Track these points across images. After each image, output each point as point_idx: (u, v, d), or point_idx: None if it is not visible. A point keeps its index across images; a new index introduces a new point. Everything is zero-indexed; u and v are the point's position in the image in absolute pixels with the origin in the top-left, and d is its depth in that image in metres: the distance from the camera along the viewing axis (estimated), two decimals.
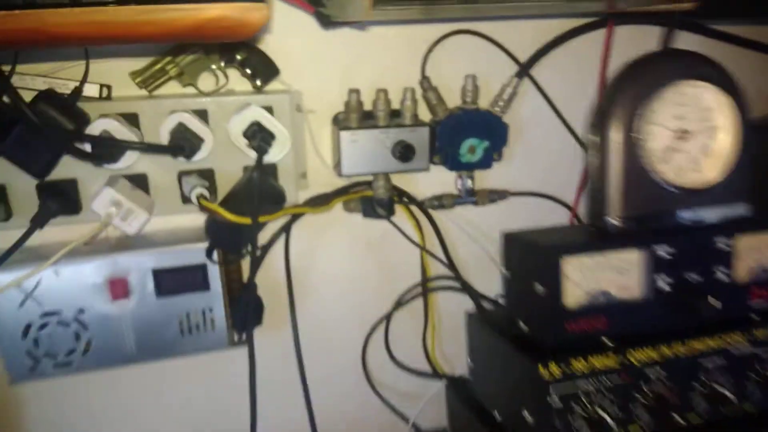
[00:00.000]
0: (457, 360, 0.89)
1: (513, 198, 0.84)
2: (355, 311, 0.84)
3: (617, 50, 0.81)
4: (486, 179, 0.83)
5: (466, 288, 0.83)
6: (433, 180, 0.81)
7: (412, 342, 0.87)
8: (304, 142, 0.75)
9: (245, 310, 0.70)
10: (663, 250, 0.65)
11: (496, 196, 0.83)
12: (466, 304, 0.86)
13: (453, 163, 0.78)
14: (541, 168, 0.85)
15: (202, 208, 0.64)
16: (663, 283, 0.66)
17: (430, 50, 0.76)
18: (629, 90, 0.66)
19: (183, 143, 0.63)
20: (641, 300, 0.65)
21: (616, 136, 0.64)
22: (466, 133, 0.76)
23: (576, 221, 0.87)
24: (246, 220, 0.63)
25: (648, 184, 0.65)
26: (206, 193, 0.65)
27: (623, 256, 0.64)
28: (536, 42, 0.79)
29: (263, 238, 0.75)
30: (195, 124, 0.65)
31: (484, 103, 0.78)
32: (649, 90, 0.65)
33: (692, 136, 0.67)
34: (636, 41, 0.83)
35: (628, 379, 0.64)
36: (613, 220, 0.65)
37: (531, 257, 0.67)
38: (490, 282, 0.87)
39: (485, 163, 0.79)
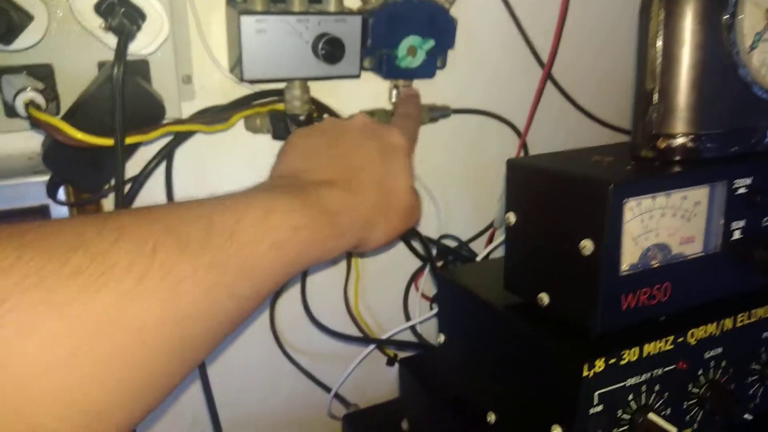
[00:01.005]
0: (387, 317, 0.75)
1: (454, 116, 0.69)
2: None
3: None
4: (424, 92, 0.66)
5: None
6: (362, 90, 0.63)
7: (332, 297, 0.71)
8: (188, 31, 0.54)
9: None
10: (744, 185, 0.46)
11: (437, 113, 0.67)
12: (399, 250, 0.71)
13: (389, 68, 0.60)
14: (487, 81, 0.70)
15: (36, 124, 0.42)
16: (739, 231, 0.47)
17: None
18: None
19: None
20: (707, 256, 0.46)
21: (689, 17, 0.42)
22: (405, 29, 0.59)
23: (524, 149, 0.74)
24: (106, 142, 0.42)
25: (733, 89, 0.45)
26: (40, 99, 0.42)
27: (693, 193, 0.44)
28: None
29: (133, 167, 0.54)
30: None
31: None
32: None
33: None
34: None
35: (684, 365, 0.46)
36: (680, 140, 0.44)
37: (567, 198, 0.43)
38: (429, 224, 0.72)
39: (428, 69, 0.62)
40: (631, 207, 0.41)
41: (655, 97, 0.43)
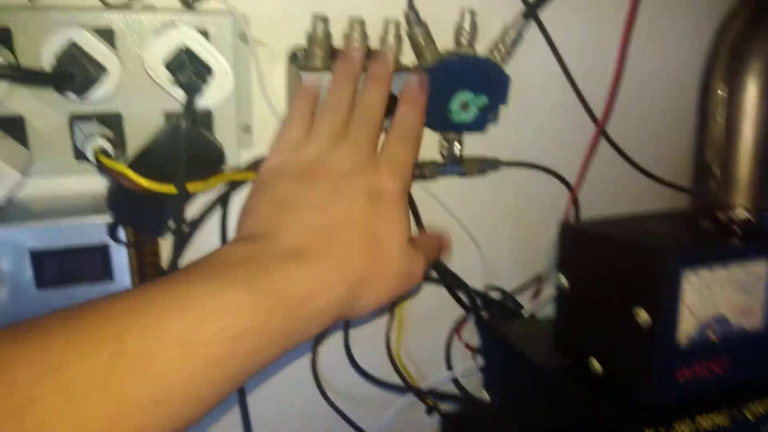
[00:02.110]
0: (429, 365, 0.74)
1: (504, 169, 0.69)
2: None
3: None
4: (471, 144, 0.67)
5: (447, 277, 0.68)
6: None
7: (374, 344, 0.71)
8: (250, 85, 0.57)
9: None
10: None
11: (486, 165, 0.67)
12: (443, 297, 0.71)
13: (441, 121, 0.61)
14: (539, 135, 0.70)
15: (103, 169, 0.45)
16: None
17: None
18: None
19: (73, 70, 0.43)
20: (765, 329, 0.45)
21: (753, 92, 0.43)
22: (459, 85, 0.60)
23: (574, 205, 0.73)
24: (169, 189, 0.45)
25: None
26: (109, 147, 0.45)
27: (753, 267, 0.43)
28: None
29: (192, 210, 0.57)
30: (94, 46, 0.44)
31: (481, 49, 0.62)
32: None
33: None
34: None
35: None
36: (741, 213, 0.44)
37: (623, 266, 0.43)
38: (474, 274, 0.72)
39: (480, 124, 0.62)
40: (690, 278, 0.40)
41: (716, 169, 0.43)
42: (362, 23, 0.55)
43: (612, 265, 0.43)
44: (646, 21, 0.69)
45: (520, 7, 0.62)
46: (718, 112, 0.43)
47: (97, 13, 0.48)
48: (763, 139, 0.42)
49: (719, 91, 0.42)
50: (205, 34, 0.49)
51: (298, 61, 0.56)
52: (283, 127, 0.47)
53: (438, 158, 0.65)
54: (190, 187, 0.46)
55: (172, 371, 0.27)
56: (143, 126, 0.51)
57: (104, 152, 0.44)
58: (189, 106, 0.44)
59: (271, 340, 0.31)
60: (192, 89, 0.45)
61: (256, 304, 0.30)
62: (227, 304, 0.29)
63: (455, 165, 0.65)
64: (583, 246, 0.45)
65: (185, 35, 0.45)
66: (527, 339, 0.53)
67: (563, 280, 0.47)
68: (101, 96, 0.46)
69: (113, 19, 0.48)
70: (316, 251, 0.35)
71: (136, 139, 0.51)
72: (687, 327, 0.41)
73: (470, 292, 0.70)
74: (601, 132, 0.71)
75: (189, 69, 0.45)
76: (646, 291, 0.40)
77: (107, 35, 0.48)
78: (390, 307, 0.69)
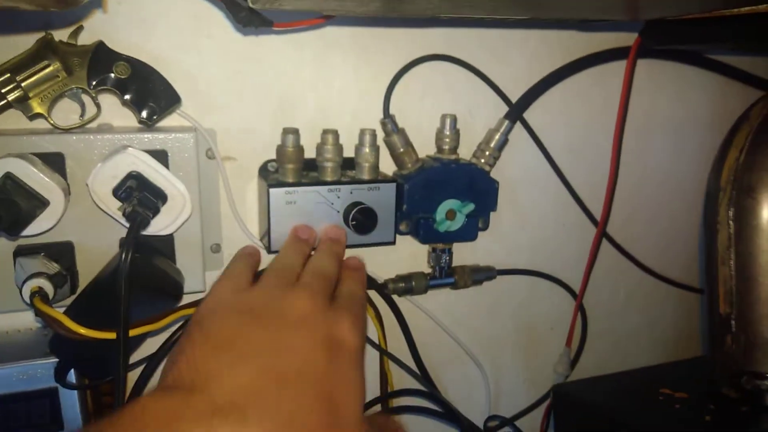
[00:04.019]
0: None
1: (500, 278, 0.64)
2: None
3: (638, 89, 0.64)
4: (466, 253, 0.62)
5: (448, 410, 0.60)
6: (398, 255, 0.59)
7: None
8: (218, 202, 0.53)
9: None
10: None
11: (481, 275, 0.62)
12: (444, 429, 0.63)
13: (426, 232, 0.56)
14: (535, 240, 0.66)
15: (38, 314, 0.39)
16: None
17: (395, 79, 0.55)
18: None
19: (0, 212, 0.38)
20: None
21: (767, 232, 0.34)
22: (443, 193, 0.56)
23: (581, 311, 0.67)
24: (109, 335, 0.39)
25: None
26: (48, 287, 0.40)
27: None
28: (531, 76, 0.61)
29: (154, 342, 0.51)
30: (33, 177, 0.41)
31: (464, 152, 0.58)
32: None
33: None
34: (656, 80, 0.65)
35: None
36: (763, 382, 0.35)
37: None
38: (474, 396, 0.65)
39: (468, 233, 0.58)
40: None
41: (734, 324, 0.36)
42: (335, 133, 0.52)
43: None
44: (641, 112, 0.66)
45: (503, 109, 0.60)
46: (729, 254, 0.36)
47: (46, 137, 0.45)
48: None
49: (726, 228, 0.35)
50: (162, 155, 0.46)
51: (269, 174, 0.52)
52: (223, 275, 0.41)
53: (427, 269, 0.60)
54: (133, 331, 0.40)
55: None
56: (97, 255, 0.47)
57: (41, 294, 0.39)
58: (132, 237, 0.39)
59: None
60: (136, 220, 0.40)
61: None
62: None
63: (446, 277, 0.60)
64: (583, 419, 0.37)
65: (134, 159, 0.42)
66: None
67: None
68: (41, 231, 0.42)
69: (63, 142, 0.44)
70: (258, 407, 0.28)
71: (90, 268, 0.47)
72: None
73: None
74: (602, 233, 0.66)
75: (135, 197, 0.40)
76: None
77: (57, 160, 0.45)
78: None
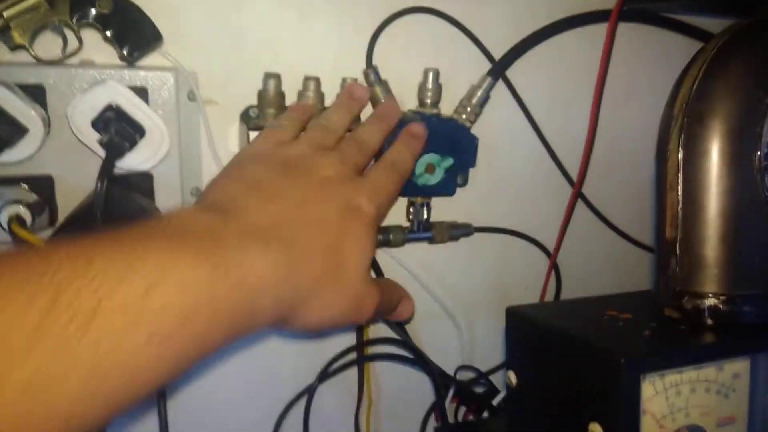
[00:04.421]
0: None
1: (477, 235, 0.65)
2: (265, 384, 0.61)
3: (619, 53, 0.64)
4: (444, 209, 0.63)
5: (419, 358, 0.62)
6: None
7: (340, 425, 0.64)
8: (199, 146, 0.53)
9: None
10: None
11: (459, 231, 0.63)
12: (416, 378, 0.65)
13: (406, 185, 0.57)
14: (513, 198, 0.67)
15: (15, 239, 0.40)
16: None
17: (379, 30, 0.56)
18: (747, 74, 0.36)
19: None
20: None
21: (714, 158, 0.36)
22: (423, 147, 0.56)
23: (555, 271, 0.69)
24: None
25: None
26: (27, 214, 0.41)
27: (730, 366, 0.36)
28: (515, 34, 0.61)
29: None
30: (13, 104, 0.41)
31: (446, 107, 0.59)
32: None
33: None
34: (637, 44, 0.66)
35: None
36: (710, 301, 0.36)
37: (573, 367, 0.36)
38: (449, 350, 0.66)
39: (447, 187, 0.59)
40: (653, 382, 0.33)
41: (678, 247, 0.37)
42: (317, 80, 0.52)
43: (563, 366, 0.35)
44: (620, 76, 0.66)
45: (486, 65, 0.60)
46: (677, 180, 0.37)
47: (28, 68, 0.45)
48: (730, 212, 0.36)
49: (676, 155, 0.36)
50: (143, 92, 0.46)
51: (250, 119, 0.52)
52: (269, 127, 0.46)
53: (405, 223, 0.61)
54: None
55: (113, 338, 0.23)
56: (77, 189, 0.47)
57: (19, 220, 0.40)
58: (106, 166, 0.40)
59: (219, 324, 0.28)
60: (112, 149, 0.41)
61: (212, 282, 0.27)
62: (183, 275, 0.26)
63: (424, 231, 0.61)
64: (531, 338, 0.38)
65: (114, 92, 0.42)
66: None
67: (512, 377, 0.40)
68: (21, 157, 0.43)
69: (43, 74, 0.45)
70: (278, 239, 0.32)
71: (70, 203, 0.47)
72: None
73: (436, 379, 0.63)
74: (578, 194, 0.67)
75: (113, 127, 0.41)
76: (599, 400, 0.33)
77: (38, 93, 0.45)
78: (359, 382, 0.63)
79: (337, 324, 0.36)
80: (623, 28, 0.64)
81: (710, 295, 0.36)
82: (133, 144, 0.42)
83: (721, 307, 0.36)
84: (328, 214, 0.36)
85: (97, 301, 0.23)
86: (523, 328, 0.40)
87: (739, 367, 0.36)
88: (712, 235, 0.36)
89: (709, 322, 0.37)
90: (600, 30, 0.63)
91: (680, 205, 0.36)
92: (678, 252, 0.37)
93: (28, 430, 0.21)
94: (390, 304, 0.43)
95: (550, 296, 0.69)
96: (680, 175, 0.36)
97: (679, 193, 0.36)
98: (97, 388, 0.23)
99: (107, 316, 0.23)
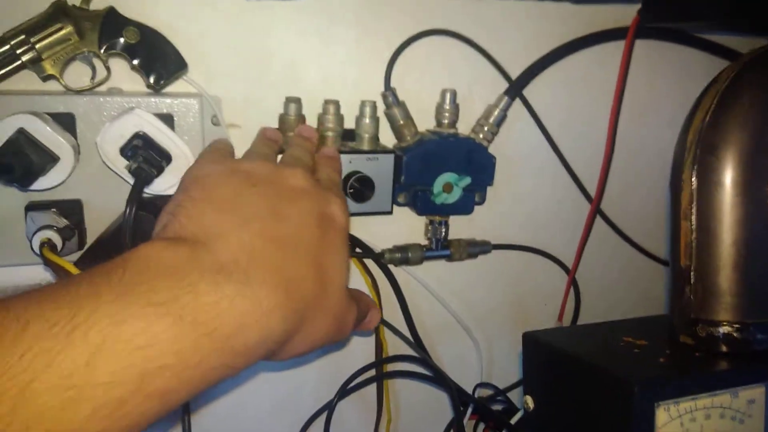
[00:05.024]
0: None
1: (496, 252, 0.65)
2: (285, 400, 0.62)
3: (636, 70, 0.65)
4: (462, 227, 0.63)
5: (438, 375, 0.62)
6: (396, 226, 0.61)
7: None
8: None
9: None
10: None
11: (477, 249, 0.63)
12: (435, 395, 0.65)
13: (423, 204, 0.58)
14: (531, 216, 0.67)
15: (47, 263, 0.41)
16: None
17: (397, 53, 0.57)
18: (760, 105, 0.36)
19: (13, 161, 0.40)
20: None
21: (727, 188, 0.37)
22: (441, 166, 0.57)
23: (573, 287, 0.69)
24: None
25: None
26: (56, 239, 0.42)
27: (745, 393, 0.37)
28: (530, 53, 0.62)
29: None
30: (44, 134, 0.42)
31: (463, 127, 0.60)
32: None
33: None
34: (654, 61, 0.66)
35: None
36: (724, 329, 0.37)
37: (590, 391, 0.36)
38: (467, 367, 0.66)
39: (465, 206, 0.59)
40: (667, 409, 0.34)
41: (692, 276, 0.37)
42: (337, 103, 0.53)
43: (578, 391, 0.36)
44: (638, 93, 0.67)
45: (503, 85, 0.61)
46: (690, 210, 0.37)
47: (58, 97, 0.46)
48: (743, 242, 0.36)
49: (690, 185, 0.37)
50: (169, 119, 0.47)
51: None
52: (204, 150, 0.44)
53: (423, 241, 0.62)
54: None
55: (51, 420, 0.20)
56: (105, 213, 0.49)
57: (50, 245, 0.41)
58: (135, 192, 0.41)
59: (187, 379, 0.25)
60: (141, 176, 0.42)
61: (176, 335, 0.24)
62: (137, 334, 0.23)
63: (442, 249, 0.62)
64: (548, 363, 0.39)
65: (141, 120, 0.43)
66: None
67: (529, 401, 0.40)
68: (52, 185, 0.44)
69: (74, 103, 0.46)
70: (260, 268, 0.28)
71: (98, 227, 0.49)
72: None
73: (455, 397, 0.63)
74: (596, 210, 0.67)
75: (141, 155, 0.42)
76: (614, 427, 0.33)
77: (68, 121, 0.46)
78: (378, 397, 0.64)
79: (321, 346, 0.34)
80: (640, 44, 0.65)
81: (724, 323, 0.37)
82: (160, 170, 0.44)
83: (735, 334, 0.37)
84: (306, 229, 0.33)
85: (30, 378, 0.20)
86: (540, 353, 0.40)
87: (755, 393, 0.36)
88: (725, 263, 0.36)
89: (724, 349, 0.37)
90: (616, 47, 0.64)
91: (694, 235, 0.37)
92: (692, 280, 0.37)
93: None
94: (362, 314, 0.41)
95: (569, 312, 0.70)
96: (694, 205, 0.37)
97: (693, 222, 0.37)
98: None
99: (42, 395, 0.20)
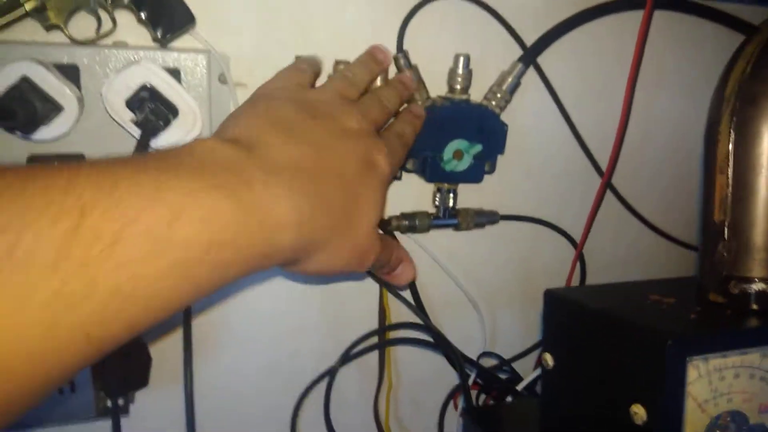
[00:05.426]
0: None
1: (503, 223, 0.65)
2: (286, 365, 0.62)
3: (652, 41, 0.63)
4: (470, 196, 0.62)
5: (441, 341, 0.62)
6: (403, 192, 0.60)
7: (360, 408, 0.65)
8: None
9: (119, 366, 0.47)
10: None
11: (484, 219, 0.63)
12: (437, 364, 0.65)
13: (432, 171, 0.57)
14: (540, 187, 0.66)
15: None
16: None
17: (411, 14, 0.55)
18: None
19: (17, 107, 0.39)
20: None
21: (766, 140, 0.36)
22: (452, 133, 0.56)
23: (580, 261, 0.68)
24: None
25: None
26: None
27: None
28: (547, 20, 0.60)
29: None
30: (51, 83, 0.41)
31: (476, 94, 0.58)
32: None
33: None
34: (671, 33, 0.65)
35: None
36: (757, 286, 0.36)
37: (616, 348, 0.35)
38: (471, 337, 0.66)
39: (475, 174, 0.58)
40: (697, 366, 0.33)
41: (726, 232, 0.37)
42: (348, 64, 0.52)
43: (604, 348, 0.35)
44: (653, 66, 0.65)
45: (517, 52, 0.59)
46: (727, 163, 0.37)
47: (62, 48, 0.45)
48: None
49: (727, 137, 0.36)
50: (176, 73, 0.46)
51: None
52: (289, 66, 0.46)
53: (431, 209, 0.61)
54: None
55: (135, 264, 0.23)
56: None
57: None
58: (140, 145, 0.40)
59: (239, 258, 0.28)
60: (149, 128, 0.41)
61: (235, 217, 0.27)
62: (207, 208, 0.26)
63: (449, 217, 0.61)
64: (572, 320, 0.38)
65: (149, 72, 0.42)
66: (513, 426, 0.46)
67: (548, 358, 0.40)
68: (55, 136, 0.43)
69: (78, 54, 0.45)
70: (300, 180, 0.32)
71: None
72: (695, 425, 0.33)
73: (460, 363, 0.63)
74: (607, 185, 0.66)
75: (148, 106, 0.41)
76: (643, 382, 0.32)
77: (72, 72, 0.45)
78: (380, 365, 0.63)
79: (338, 271, 0.37)
80: (657, 15, 0.63)
81: (757, 280, 0.36)
82: (166, 124, 0.43)
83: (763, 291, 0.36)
84: (348, 166, 0.36)
85: (121, 227, 0.23)
86: (563, 309, 0.40)
87: None
88: (762, 218, 0.36)
89: (755, 307, 0.36)
90: (633, 17, 0.62)
91: (730, 189, 0.36)
92: (726, 236, 0.36)
93: (51, 344, 0.22)
94: (389, 260, 0.44)
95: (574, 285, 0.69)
96: (731, 158, 0.36)
97: (729, 176, 0.36)
98: (118, 310, 0.23)
99: (130, 242, 0.23)
